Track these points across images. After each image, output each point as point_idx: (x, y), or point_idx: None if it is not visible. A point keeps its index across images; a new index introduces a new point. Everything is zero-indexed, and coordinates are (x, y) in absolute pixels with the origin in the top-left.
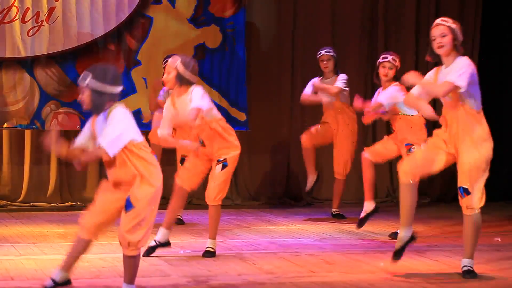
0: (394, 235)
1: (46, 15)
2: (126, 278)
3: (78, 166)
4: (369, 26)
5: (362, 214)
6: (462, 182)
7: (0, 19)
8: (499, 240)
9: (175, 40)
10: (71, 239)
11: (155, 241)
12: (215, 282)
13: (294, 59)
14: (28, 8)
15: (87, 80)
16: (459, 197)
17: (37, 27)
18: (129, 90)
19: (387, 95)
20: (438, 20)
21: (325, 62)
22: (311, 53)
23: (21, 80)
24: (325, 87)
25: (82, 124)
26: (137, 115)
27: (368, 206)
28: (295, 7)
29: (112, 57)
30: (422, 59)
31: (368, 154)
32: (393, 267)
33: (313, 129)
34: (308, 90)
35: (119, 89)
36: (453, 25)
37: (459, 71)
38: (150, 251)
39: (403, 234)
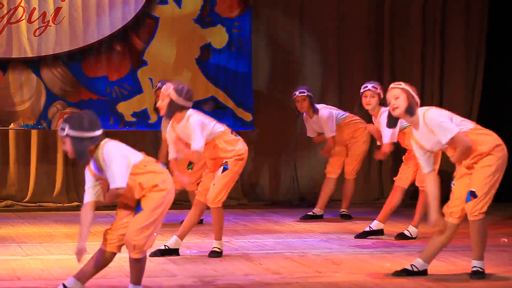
0: (400, 236)
1: (52, 15)
2: (132, 279)
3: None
4: (375, 27)
5: (367, 229)
6: (471, 185)
7: (7, 19)
8: (505, 240)
9: (181, 40)
10: (77, 239)
11: (165, 245)
12: (221, 282)
13: (300, 59)
14: (34, 8)
15: (65, 131)
16: (464, 202)
17: (44, 27)
18: (135, 90)
19: (389, 133)
20: (391, 85)
21: (299, 103)
22: (318, 53)
23: (28, 80)
24: (327, 148)
25: None
26: (143, 115)
27: (377, 225)
28: (301, 7)
29: (118, 57)
30: (428, 60)
31: (400, 183)
32: (399, 268)
33: (331, 161)
34: (308, 132)
35: (98, 132)
36: (406, 87)
37: (440, 128)
38: (157, 254)
39: (420, 263)
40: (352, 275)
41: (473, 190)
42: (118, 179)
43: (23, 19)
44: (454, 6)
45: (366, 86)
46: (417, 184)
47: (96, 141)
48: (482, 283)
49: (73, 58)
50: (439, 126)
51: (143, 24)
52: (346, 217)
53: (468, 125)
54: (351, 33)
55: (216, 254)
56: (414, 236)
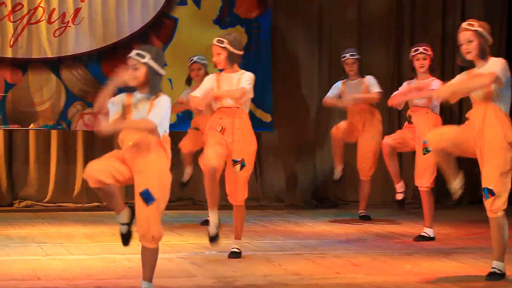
0: (419, 238)
1: (72, 16)
2: (146, 274)
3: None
4: (395, 30)
5: (400, 197)
6: (486, 182)
7: (27, 20)
8: None
9: (200, 41)
10: (97, 239)
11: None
12: (240, 283)
13: (320, 59)
14: (54, 9)
15: (146, 58)
16: (483, 199)
17: (63, 28)
18: None
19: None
20: (464, 25)
21: (349, 66)
22: (338, 53)
23: (47, 80)
24: (367, 97)
25: None
26: None
27: (401, 187)
28: (320, 7)
29: None
30: (448, 62)
31: (389, 140)
32: (419, 269)
33: (342, 122)
34: (331, 93)
35: (164, 73)
36: (480, 29)
37: (493, 66)
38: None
39: (457, 183)
40: (372, 276)
41: (490, 188)
42: (158, 122)
43: (42, 20)
44: (474, 12)
45: (418, 49)
46: (416, 183)
47: (160, 81)
48: (501, 285)
49: (92, 59)
50: (495, 65)
51: (162, 25)
52: (365, 218)
53: (508, 108)
54: (371, 30)
55: (235, 254)
56: (432, 236)
